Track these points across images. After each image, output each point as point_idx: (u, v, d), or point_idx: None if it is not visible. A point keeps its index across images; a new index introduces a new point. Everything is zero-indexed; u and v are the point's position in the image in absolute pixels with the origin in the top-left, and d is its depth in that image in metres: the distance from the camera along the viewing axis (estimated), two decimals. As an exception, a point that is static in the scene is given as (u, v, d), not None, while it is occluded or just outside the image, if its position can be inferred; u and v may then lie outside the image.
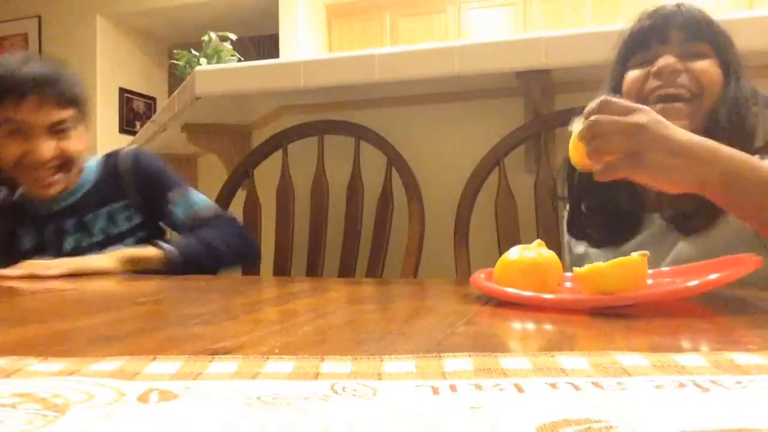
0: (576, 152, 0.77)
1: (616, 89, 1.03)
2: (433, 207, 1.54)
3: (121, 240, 1.33)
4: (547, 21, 4.81)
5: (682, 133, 0.74)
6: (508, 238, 1.42)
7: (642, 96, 0.96)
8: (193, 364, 0.38)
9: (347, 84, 1.54)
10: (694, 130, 0.83)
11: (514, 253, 0.72)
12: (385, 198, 1.56)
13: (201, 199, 1.36)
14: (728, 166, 0.74)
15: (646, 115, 0.73)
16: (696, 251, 0.90)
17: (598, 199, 1.03)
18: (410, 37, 5.05)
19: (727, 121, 0.91)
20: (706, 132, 0.86)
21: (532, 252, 0.72)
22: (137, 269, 1.20)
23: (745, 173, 0.75)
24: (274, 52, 5.33)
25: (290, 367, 0.37)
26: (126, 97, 5.57)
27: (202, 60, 2.84)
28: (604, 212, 1.02)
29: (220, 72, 1.65)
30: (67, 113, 1.24)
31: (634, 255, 0.62)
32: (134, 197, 1.35)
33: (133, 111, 5.67)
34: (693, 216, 0.93)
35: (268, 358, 0.39)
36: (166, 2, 5.24)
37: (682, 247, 0.93)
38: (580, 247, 1.08)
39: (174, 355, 0.40)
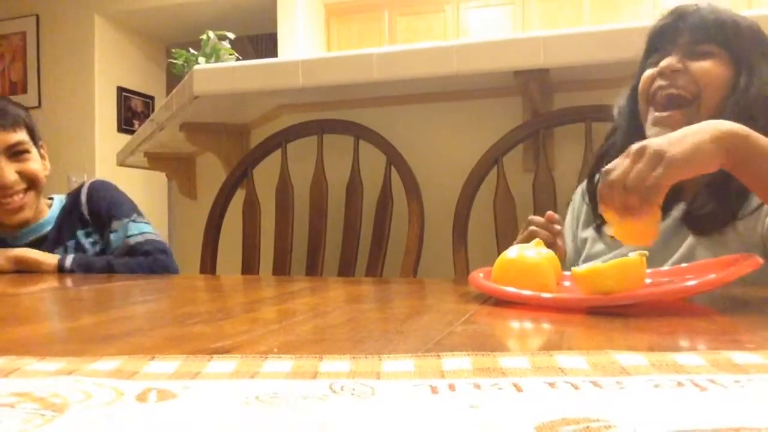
0: (625, 228, 0.73)
1: (636, 88, 1.04)
2: (432, 206, 1.54)
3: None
4: (545, 20, 4.81)
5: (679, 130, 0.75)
6: (506, 237, 1.42)
7: (650, 95, 0.97)
8: (191, 363, 0.38)
9: (346, 83, 1.54)
10: None
11: (513, 252, 0.72)
12: (384, 197, 1.56)
13: (138, 229, 1.42)
14: (739, 128, 0.74)
15: (637, 144, 0.73)
16: (704, 252, 0.90)
17: None
18: (409, 36, 5.04)
19: (735, 120, 0.91)
20: None
21: (530, 251, 0.72)
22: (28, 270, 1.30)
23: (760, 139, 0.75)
24: (272, 51, 5.32)
25: (289, 366, 0.37)
26: (124, 96, 5.56)
27: (201, 59, 2.83)
28: None
29: (218, 71, 1.64)
30: (20, 135, 1.32)
31: (633, 255, 0.62)
32: (91, 224, 1.44)
33: (132, 110, 5.66)
34: (705, 217, 0.92)
35: (266, 358, 0.39)
36: (165, 1, 5.23)
37: (692, 244, 0.93)
38: (587, 232, 1.08)
39: (172, 355, 0.40)
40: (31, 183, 1.33)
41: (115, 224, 1.43)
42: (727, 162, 0.73)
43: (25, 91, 5.37)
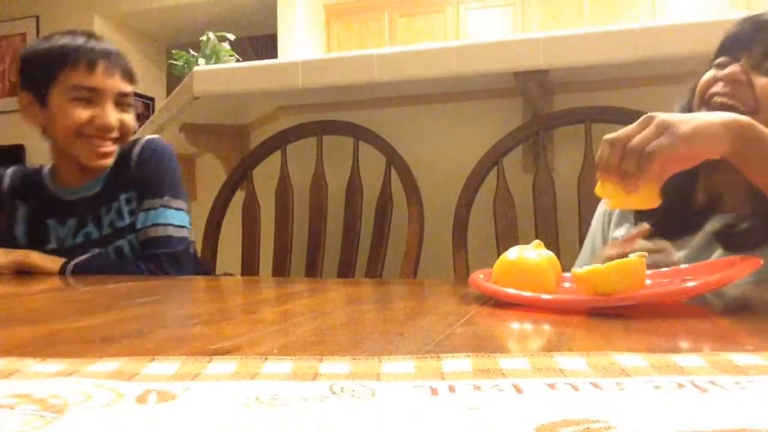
0: (621, 199, 0.76)
1: (695, 88, 1.00)
2: (432, 207, 1.54)
3: (125, 234, 1.32)
4: (545, 21, 4.82)
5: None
6: (506, 238, 1.42)
7: (706, 97, 0.94)
8: (191, 364, 0.38)
9: (346, 84, 1.54)
10: None
11: (513, 253, 0.72)
12: (384, 198, 1.56)
13: (165, 218, 1.32)
14: (748, 119, 0.74)
15: (647, 114, 0.74)
16: None
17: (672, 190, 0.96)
18: (409, 37, 5.05)
19: None
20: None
21: (530, 252, 0.72)
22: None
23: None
24: (272, 53, 5.33)
25: (289, 367, 0.37)
26: (124, 97, 5.56)
27: (201, 60, 2.83)
28: (674, 204, 0.96)
29: (218, 72, 1.64)
30: (130, 87, 1.31)
31: (633, 256, 0.62)
32: (133, 190, 1.34)
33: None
34: (740, 234, 0.89)
35: (266, 359, 0.39)
36: (164, 2, 5.23)
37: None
38: (620, 231, 1.05)
39: (172, 356, 0.40)
40: (122, 136, 1.31)
41: (146, 202, 1.33)
42: (732, 150, 0.73)
43: (25, 92, 5.37)
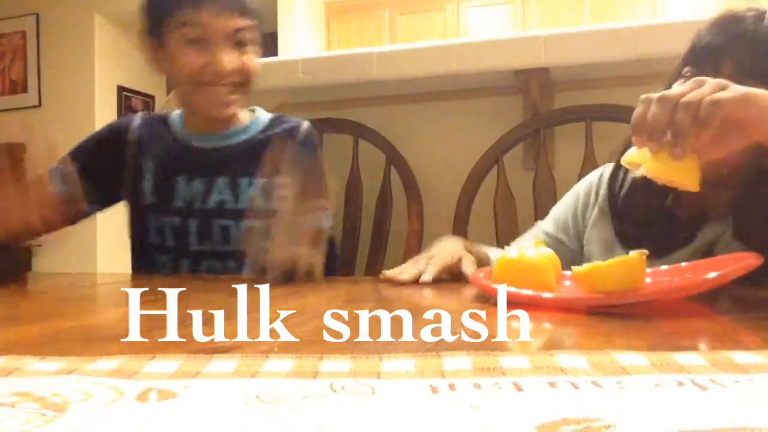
0: (661, 165, 0.67)
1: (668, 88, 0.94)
2: (432, 205, 1.54)
3: (261, 216, 1.17)
4: (545, 19, 4.81)
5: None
6: (506, 236, 1.42)
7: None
8: (192, 363, 0.38)
9: (346, 82, 1.54)
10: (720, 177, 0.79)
11: (513, 251, 0.72)
12: (384, 196, 1.56)
13: (325, 221, 1.20)
14: None
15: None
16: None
17: (651, 208, 0.93)
18: (409, 35, 5.04)
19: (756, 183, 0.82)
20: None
21: (531, 251, 0.72)
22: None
23: None
24: (272, 50, 5.32)
25: (289, 365, 0.37)
26: (124, 95, 5.56)
27: (201, 58, 2.82)
28: (655, 221, 0.93)
29: (218, 70, 1.64)
30: (246, 22, 1.13)
31: (633, 254, 0.62)
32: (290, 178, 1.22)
33: (132, 109, 5.65)
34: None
35: (267, 357, 0.39)
36: (165, 0, 5.22)
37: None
38: (595, 232, 1.01)
39: (173, 354, 0.40)
40: (245, 80, 1.14)
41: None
42: None
43: (25, 90, 5.37)
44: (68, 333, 0.52)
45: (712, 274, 0.62)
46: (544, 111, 1.49)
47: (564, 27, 4.08)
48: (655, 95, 0.67)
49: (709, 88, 0.66)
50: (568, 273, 0.75)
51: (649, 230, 0.93)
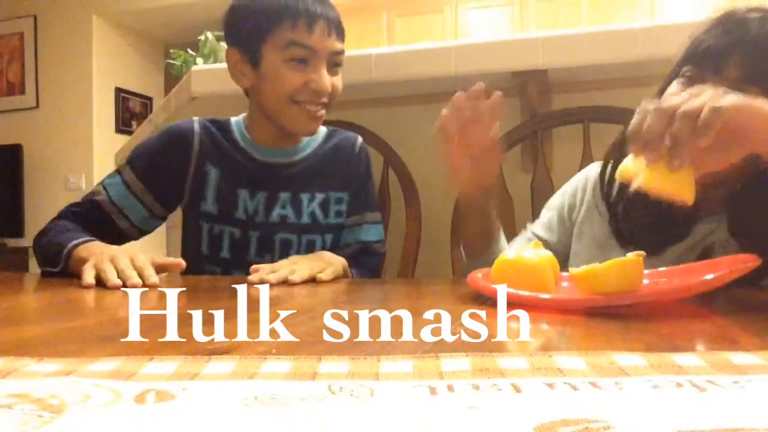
0: (657, 175, 0.66)
1: (659, 94, 0.89)
2: (430, 207, 1.54)
3: (322, 231, 1.22)
4: (543, 21, 4.81)
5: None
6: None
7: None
8: (190, 364, 0.38)
9: (344, 84, 1.53)
10: (717, 181, 0.79)
11: (511, 253, 0.72)
12: (382, 198, 1.55)
13: (381, 233, 1.30)
14: None
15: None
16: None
17: (646, 204, 0.89)
18: (407, 36, 5.04)
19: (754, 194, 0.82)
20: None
21: (529, 252, 0.72)
22: None
23: None
24: (270, 52, 5.31)
25: (287, 367, 0.37)
26: (122, 96, 5.55)
27: (199, 60, 2.83)
28: (649, 214, 0.91)
29: (216, 72, 1.64)
30: (342, 46, 1.17)
31: (631, 255, 0.62)
32: (353, 192, 1.25)
33: (130, 111, 5.65)
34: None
35: (265, 359, 0.39)
36: (163, 2, 5.22)
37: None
38: (587, 227, 1.02)
39: (171, 356, 0.40)
40: (331, 101, 1.17)
41: (370, 215, 1.26)
42: None
43: (23, 91, 5.37)
44: (66, 334, 0.52)
45: (710, 276, 0.62)
46: (542, 113, 1.49)
47: (562, 29, 4.08)
48: (652, 105, 0.66)
49: (708, 96, 0.65)
50: (566, 274, 0.75)
51: (644, 226, 0.93)
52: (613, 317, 0.56)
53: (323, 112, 1.15)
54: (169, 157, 1.17)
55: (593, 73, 1.46)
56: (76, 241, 1.01)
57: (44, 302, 0.74)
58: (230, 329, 0.54)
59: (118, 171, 1.17)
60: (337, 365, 0.38)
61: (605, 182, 0.98)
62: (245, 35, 1.14)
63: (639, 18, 4.48)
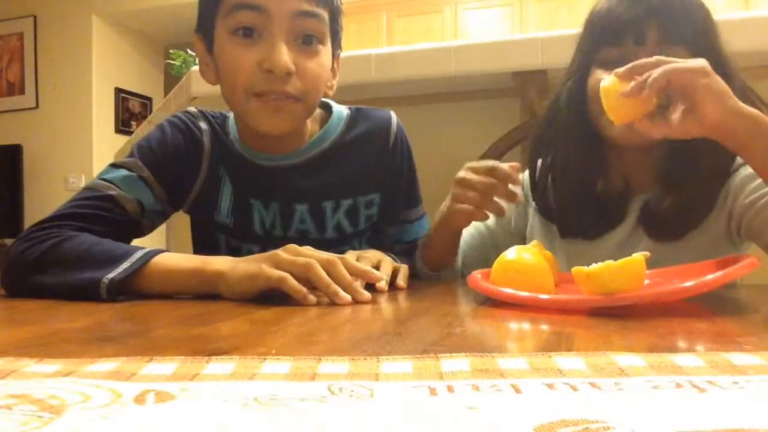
0: (619, 106, 0.76)
1: (579, 83, 0.95)
2: (430, 207, 1.54)
3: (352, 239, 1.03)
4: (542, 22, 4.82)
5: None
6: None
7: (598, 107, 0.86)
8: (189, 365, 0.38)
9: (343, 84, 1.53)
10: (666, 144, 0.85)
11: (511, 253, 0.72)
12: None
13: (426, 225, 1.12)
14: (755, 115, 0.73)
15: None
16: (664, 256, 0.82)
17: (577, 185, 0.97)
18: (407, 37, 5.04)
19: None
20: (681, 146, 0.84)
21: (529, 253, 0.72)
22: None
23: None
24: (270, 52, 5.31)
25: (287, 368, 0.37)
26: (122, 97, 5.56)
27: (199, 60, 2.82)
28: (584, 201, 0.97)
29: (216, 72, 1.64)
30: (317, 9, 0.89)
31: (636, 255, 0.62)
32: (386, 191, 1.04)
33: (129, 111, 5.66)
34: (667, 222, 0.90)
35: (264, 359, 0.39)
36: (162, 2, 5.22)
37: (648, 248, 0.82)
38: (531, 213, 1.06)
39: (170, 356, 0.40)
40: (308, 92, 0.90)
41: (413, 212, 1.09)
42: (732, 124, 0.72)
43: (22, 92, 5.37)
44: (65, 335, 0.52)
45: (711, 276, 0.62)
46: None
47: (561, 29, 4.08)
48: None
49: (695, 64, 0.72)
50: (566, 274, 0.75)
51: (582, 215, 0.97)
52: (613, 317, 0.56)
53: (289, 104, 0.89)
54: (180, 153, 0.97)
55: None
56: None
57: (44, 302, 0.74)
58: (229, 330, 0.54)
59: (119, 165, 0.94)
60: (336, 366, 0.38)
61: (536, 180, 1.04)
62: (201, 13, 0.93)
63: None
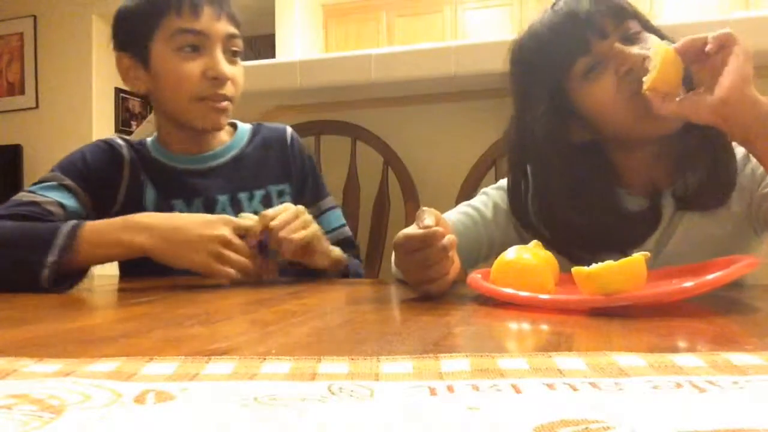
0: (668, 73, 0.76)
1: (561, 107, 0.91)
2: (430, 207, 1.54)
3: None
4: (543, 21, 4.82)
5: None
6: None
7: (630, 105, 0.85)
8: (189, 365, 0.38)
9: (343, 84, 1.54)
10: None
11: (511, 253, 0.72)
12: (382, 198, 1.56)
13: (342, 217, 1.25)
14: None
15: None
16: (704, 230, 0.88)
17: (599, 200, 0.92)
18: (407, 37, 5.05)
19: None
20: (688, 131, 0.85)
21: (528, 253, 0.72)
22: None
23: None
24: (270, 52, 5.32)
25: (287, 368, 0.37)
26: (122, 97, 5.56)
27: (199, 60, 2.83)
28: (609, 218, 0.91)
29: (216, 72, 1.64)
30: (237, 31, 1.11)
31: (636, 255, 0.62)
32: (295, 183, 1.20)
33: (129, 111, 5.66)
34: (701, 195, 0.89)
35: (264, 359, 0.39)
36: (162, 2, 5.22)
37: (693, 222, 0.90)
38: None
39: (170, 356, 0.40)
40: (234, 94, 1.11)
41: (324, 202, 1.21)
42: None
43: (22, 92, 5.37)
44: (65, 335, 0.52)
45: (711, 276, 0.62)
46: (542, 113, 1.49)
47: (561, 29, 4.08)
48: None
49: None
50: (566, 274, 0.75)
51: (612, 232, 0.91)
52: (613, 317, 0.56)
53: (226, 103, 1.09)
54: (101, 163, 1.12)
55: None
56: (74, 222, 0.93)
57: (44, 302, 0.74)
58: (229, 330, 0.54)
59: (38, 182, 1.09)
60: (336, 366, 0.38)
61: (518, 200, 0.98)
62: (131, 35, 1.09)
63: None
